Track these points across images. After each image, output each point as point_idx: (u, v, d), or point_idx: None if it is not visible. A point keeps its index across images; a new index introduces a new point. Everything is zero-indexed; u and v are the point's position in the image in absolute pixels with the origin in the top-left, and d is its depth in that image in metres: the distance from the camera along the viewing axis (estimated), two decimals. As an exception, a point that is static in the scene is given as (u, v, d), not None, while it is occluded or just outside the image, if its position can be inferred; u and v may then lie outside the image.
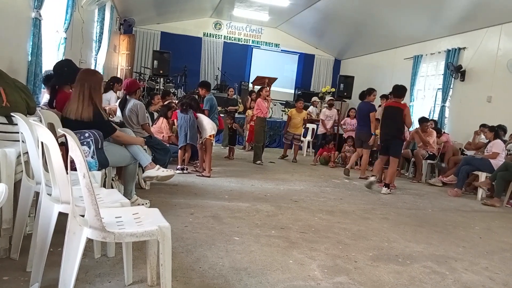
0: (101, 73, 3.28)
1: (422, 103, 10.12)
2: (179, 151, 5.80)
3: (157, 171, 3.64)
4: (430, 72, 10.04)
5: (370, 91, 7.12)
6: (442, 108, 9.25)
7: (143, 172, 4.25)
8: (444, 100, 9.22)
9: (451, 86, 9.12)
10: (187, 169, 5.86)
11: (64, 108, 3.10)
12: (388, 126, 6.14)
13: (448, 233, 4.10)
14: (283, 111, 11.85)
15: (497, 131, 6.54)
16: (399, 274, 2.83)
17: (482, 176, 6.32)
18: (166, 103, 6.82)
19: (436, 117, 9.24)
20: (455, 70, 8.78)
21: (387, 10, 9.42)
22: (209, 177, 5.68)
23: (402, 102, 6.17)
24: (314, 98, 11.64)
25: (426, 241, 3.72)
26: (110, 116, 4.29)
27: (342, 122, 9.43)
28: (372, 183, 5.98)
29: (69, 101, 3.09)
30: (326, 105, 9.71)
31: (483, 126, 7.11)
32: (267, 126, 8.15)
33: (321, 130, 9.45)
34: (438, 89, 9.55)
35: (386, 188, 5.90)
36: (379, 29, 10.72)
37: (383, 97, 8.65)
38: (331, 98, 10.18)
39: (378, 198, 5.56)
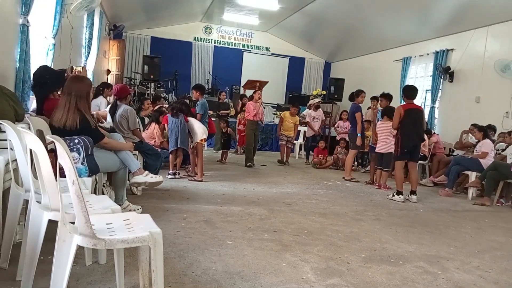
0: (90, 79, 3.24)
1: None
2: (170, 155, 5.78)
3: (145, 177, 3.62)
4: (419, 74, 10.15)
5: (358, 93, 7.13)
6: (432, 109, 9.36)
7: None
8: (433, 101, 9.33)
9: (440, 87, 9.23)
10: (179, 174, 5.84)
11: (51, 115, 3.08)
12: (417, 129, 5.70)
13: (439, 233, 4.13)
14: (274, 114, 11.87)
15: (486, 131, 6.63)
16: (391, 275, 2.84)
17: (472, 175, 6.39)
18: (157, 107, 6.80)
19: (426, 118, 9.33)
20: (443, 72, 8.88)
21: (376, 13, 9.52)
22: (201, 181, 5.67)
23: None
24: (312, 101, 11.60)
25: (418, 241, 3.74)
26: (100, 122, 4.27)
27: (335, 125, 9.48)
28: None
29: (55, 109, 3.07)
30: (312, 107, 9.72)
31: (473, 125, 7.18)
32: (259, 130, 8.10)
33: (310, 133, 9.47)
34: (427, 90, 9.65)
35: (415, 196, 5.68)
36: (369, 32, 10.81)
37: (373, 98, 8.71)
38: (319, 100, 10.17)
39: (370, 200, 5.59)
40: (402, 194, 5.62)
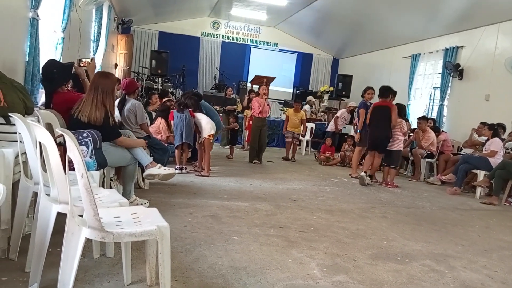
0: (115, 76, 3.30)
1: (420, 102, 10.13)
2: (176, 150, 5.79)
3: (159, 170, 3.65)
4: (428, 71, 10.05)
5: (365, 90, 7.13)
6: (441, 107, 9.27)
7: (142, 172, 4.26)
8: (442, 98, 9.24)
9: (449, 85, 9.14)
10: (185, 169, 5.86)
11: (74, 109, 3.12)
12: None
13: (446, 231, 4.10)
14: (281, 110, 11.85)
15: (496, 129, 6.55)
16: (398, 273, 2.83)
17: (481, 174, 6.33)
18: (164, 100, 6.79)
19: (434, 116, 9.26)
20: (453, 69, 8.79)
21: (384, 9, 9.43)
22: (208, 176, 5.68)
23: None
24: (309, 98, 11.65)
25: (425, 239, 3.72)
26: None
27: (336, 114, 9.51)
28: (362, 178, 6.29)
29: (79, 103, 3.13)
30: (347, 108, 9.73)
31: (482, 124, 7.11)
32: (266, 126, 7.84)
33: (332, 128, 9.44)
34: (436, 87, 9.57)
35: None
36: (377, 28, 10.73)
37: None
38: (353, 104, 10.05)
39: (377, 197, 5.56)
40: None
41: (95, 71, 3.93)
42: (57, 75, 3.60)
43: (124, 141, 3.44)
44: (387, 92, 6.42)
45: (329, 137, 9.04)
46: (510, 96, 7.47)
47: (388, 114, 6.22)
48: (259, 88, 7.89)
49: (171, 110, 6.21)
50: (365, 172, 6.40)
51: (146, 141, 4.06)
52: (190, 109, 5.77)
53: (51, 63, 3.86)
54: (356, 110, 7.49)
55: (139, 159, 3.55)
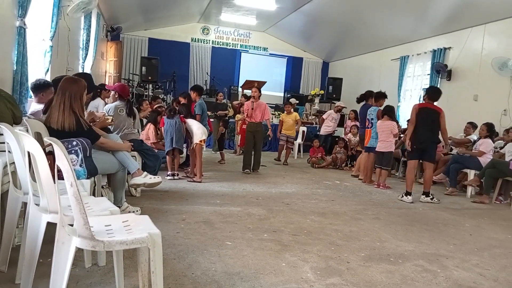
0: (84, 81, 3.24)
1: (410, 103, 10.20)
2: (167, 156, 5.78)
3: (144, 178, 3.62)
4: (417, 73, 10.15)
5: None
6: (430, 108, 9.34)
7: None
8: (431, 99, 9.31)
9: (438, 86, 9.22)
10: (177, 175, 5.83)
11: (46, 117, 3.07)
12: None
13: (438, 231, 4.13)
14: (273, 114, 11.87)
15: (493, 131, 6.60)
16: (391, 274, 2.84)
17: (471, 174, 6.40)
18: (155, 107, 6.78)
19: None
20: (441, 70, 8.89)
21: (373, 12, 9.52)
22: (200, 182, 5.66)
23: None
24: (339, 103, 11.55)
25: (417, 239, 3.74)
26: (93, 122, 4.27)
27: (345, 126, 9.57)
28: None
29: (50, 109, 3.06)
30: (335, 108, 9.77)
31: (470, 123, 7.19)
32: (261, 131, 7.30)
33: (326, 131, 9.47)
34: (425, 89, 9.64)
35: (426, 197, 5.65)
36: (366, 31, 10.82)
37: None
38: (341, 104, 10.07)
39: (369, 199, 5.59)
40: (410, 195, 5.57)
41: (101, 124, 3.89)
42: None
43: (105, 143, 3.37)
44: (437, 95, 5.96)
45: (317, 139, 9.10)
46: (498, 96, 7.56)
47: (437, 118, 5.59)
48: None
49: (162, 117, 6.19)
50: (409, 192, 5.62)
51: (137, 145, 4.04)
52: (181, 115, 5.76)
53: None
54: (361, 115, 7.49)
55: (125, 165, 3.51)
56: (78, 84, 3.13)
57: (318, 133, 10.00)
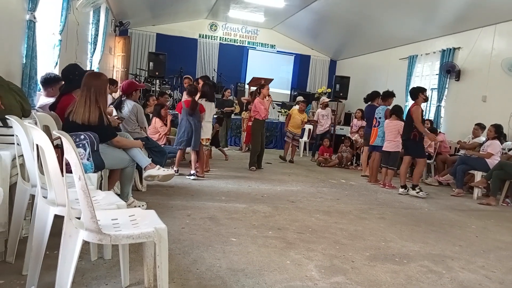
0: (106, 75, 3.30)
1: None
2: (178, 152, 5.71)
3: (158, 171, 3.64)
4: (425, 72, 10.08)
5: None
6: (438, 108, 9.29)
7: (139, 174, 4.26)
8: (439, 100, 9.26)
9: (447, 86, 9.16)
10: (178, 171, 5.73)
11: (68, 112, 3.10)
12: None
13: (444, 232, 4.11)
14: (279, 111, 11.86)
15: (501, 132, 6.55)
16: (396, 274, 2.83)
17: (478, 175, 6.35)
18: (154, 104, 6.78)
19: (432, 117, 9.28)
20: (452, 70, 8.81)
21: (382, 11, 9.45)
22: (203, 177, 5.67)
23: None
24: (322, 99, 11.58)
25: (423, 240, 3.73)
26: (118, 120, 4.35)
27: (351, 124, 9.53)
28: None
29: (73, 105, 3.11)
30: (320, 105, 9.74)
31: (477, 125, 7.13)
32: (264, 128, 7.44)
33: (320, 130, 9.46)
34: (434, 89, 9.59)
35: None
36: (374, 30, 10.75)
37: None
38: (326, 98, 10.18)
39: (374, 198, 5.57)
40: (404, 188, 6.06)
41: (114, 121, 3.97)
42: (78, 77, 3.58)
43: (121, 141, 3.43)
44: (412, 95, 6.28)
45: (326, 138, 9.07)
46: (507, 97, 7.48)
47: (409, 115, 6.01)
48: (262, 87, 7.35)
49: (179, 102, 6.06)
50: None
51: (144, 142, 4.06)
52: (200, 103, 5.61)
53: (74, 66, 3.92)
54: (367, 114, 7.50)
55: (137, 160, 3.55)
56: (101, 78, 3.22)
57: (317, 133, 9.97)
